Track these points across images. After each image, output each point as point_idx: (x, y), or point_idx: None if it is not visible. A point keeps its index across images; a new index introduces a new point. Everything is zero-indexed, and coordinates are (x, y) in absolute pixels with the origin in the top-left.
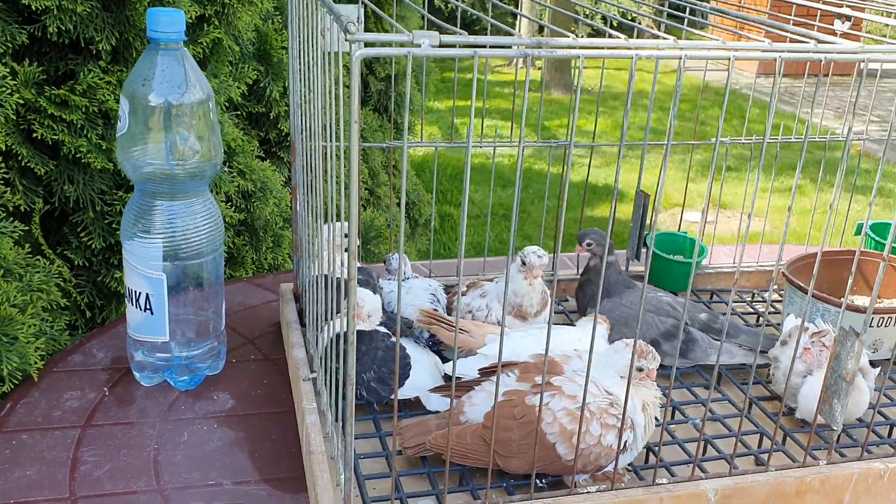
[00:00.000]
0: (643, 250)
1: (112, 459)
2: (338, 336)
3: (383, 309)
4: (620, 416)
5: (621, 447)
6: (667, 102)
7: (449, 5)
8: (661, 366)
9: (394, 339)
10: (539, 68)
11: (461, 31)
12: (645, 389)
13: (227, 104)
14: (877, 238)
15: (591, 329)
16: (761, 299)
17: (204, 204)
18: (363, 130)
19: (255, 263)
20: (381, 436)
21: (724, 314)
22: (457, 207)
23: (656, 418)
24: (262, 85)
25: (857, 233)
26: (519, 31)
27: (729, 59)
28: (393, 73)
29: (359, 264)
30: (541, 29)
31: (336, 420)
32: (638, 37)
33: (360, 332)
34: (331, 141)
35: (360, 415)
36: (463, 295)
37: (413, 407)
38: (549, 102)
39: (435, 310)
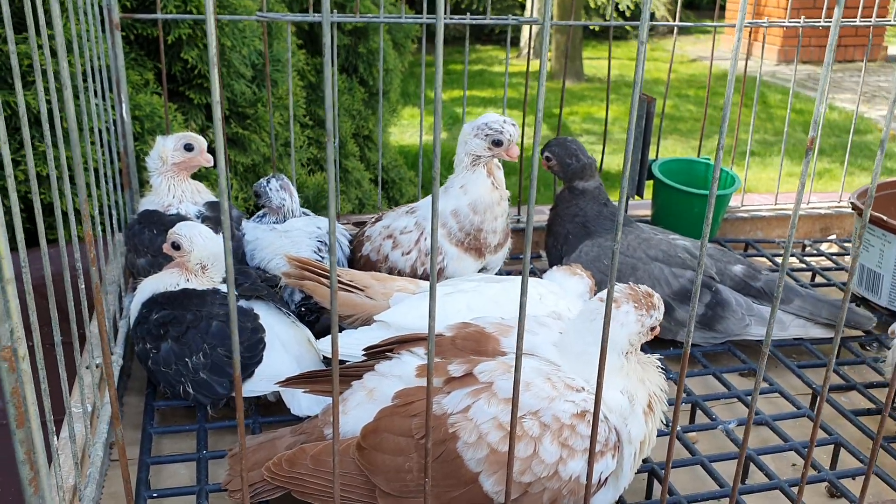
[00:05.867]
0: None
1: None
2: (152, 300)
3: (238, 259)
4: (590, 430)
5: (598, 481)
6: (683, 90)
7: None
8: (673, 342)
9: (241, 302)
10: (549, 60)
11: None
12: (652, 373)
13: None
14: None
15: (563, 282)
16: (816, 251)
17: None
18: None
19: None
20: (204, 459)
21: (775, 269)
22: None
23: (663, 421)
24: None
25: None
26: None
27: None
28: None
29: (211, 198)
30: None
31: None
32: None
33: (186, 293)
34: None
35: (180, 423)
36: (377, 221)
37: (274, 411)
38: (558, 90)
39: (320, 260)
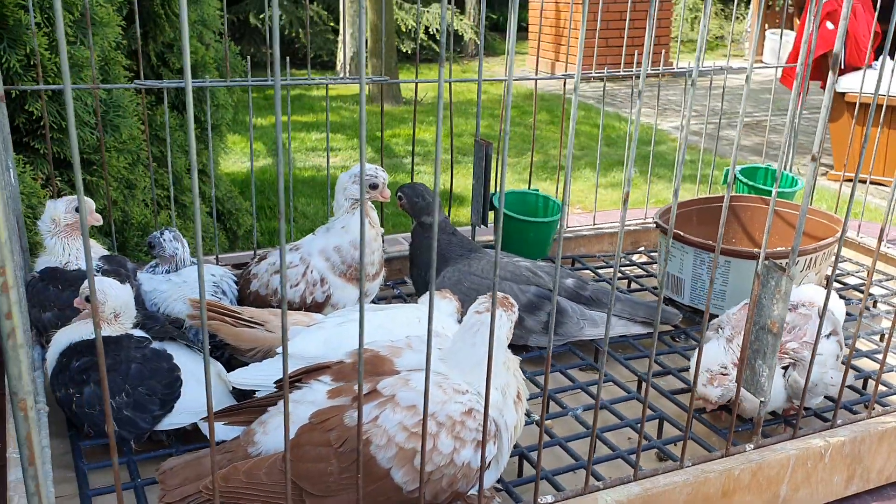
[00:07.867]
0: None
1: None
2: (70, 349)
3: (141, 305)
4: (481, 424)
5: (485, 464)
6: (497, 110)
7: (266, 23)
8: (525, 347)
9: (155, 344)
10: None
11: None
12: (517, 371)
13: None
14: (749, 182)
15: (436, 305)
16: (629, 262)
17: None
18: (159, 132)
19: None
20: (139, 486)
21: (606, 279)
22: (286, 222)
23: (528, 413)
24: None
25: (725, 181)
26: (343, 43)
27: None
28: (187, 65)
29: (103, 252)
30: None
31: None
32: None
33: (103, 340)
34: None
35: (107, 459)
36: (261, 260)
37: (192, 439)
38: (377, 113)
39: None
